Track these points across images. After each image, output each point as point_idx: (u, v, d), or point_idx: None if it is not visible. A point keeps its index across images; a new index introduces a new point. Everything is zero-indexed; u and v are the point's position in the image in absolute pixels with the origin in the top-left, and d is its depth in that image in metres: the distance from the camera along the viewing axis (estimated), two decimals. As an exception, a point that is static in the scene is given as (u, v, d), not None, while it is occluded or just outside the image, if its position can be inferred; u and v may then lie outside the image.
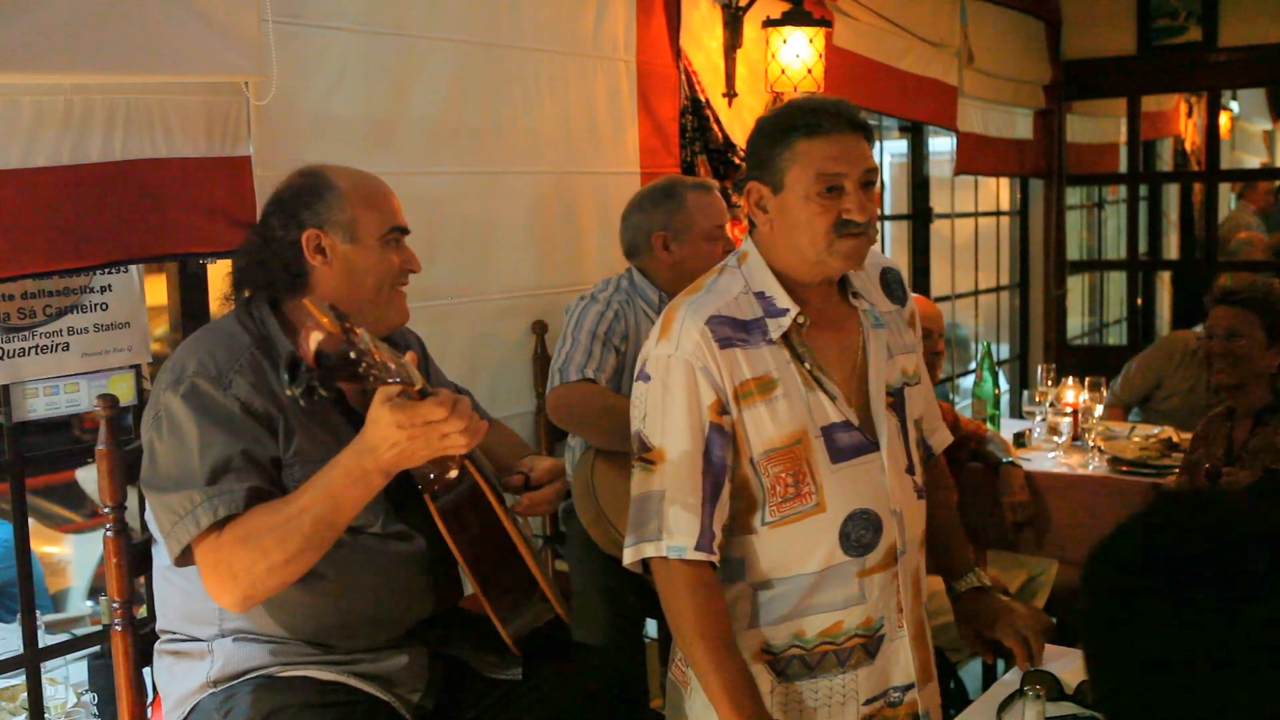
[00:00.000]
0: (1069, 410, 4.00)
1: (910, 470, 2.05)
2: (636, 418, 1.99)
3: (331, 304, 1.60)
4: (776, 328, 1.95)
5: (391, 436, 1.68)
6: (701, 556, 1.90)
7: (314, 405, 1.78)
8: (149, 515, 1.92)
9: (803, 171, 1.91)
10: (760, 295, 1.97)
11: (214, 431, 1.80)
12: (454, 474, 1.86)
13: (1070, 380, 4.12)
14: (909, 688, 2.02)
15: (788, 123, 1.94)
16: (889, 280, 2.15)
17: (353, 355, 1.54)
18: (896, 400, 2.04)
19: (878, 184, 1.99)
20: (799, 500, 1.94)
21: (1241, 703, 1.01)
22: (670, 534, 1.91)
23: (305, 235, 1.93)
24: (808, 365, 1.96)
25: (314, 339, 1.52)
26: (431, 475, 1.85)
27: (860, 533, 1.95)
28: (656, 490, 1.93)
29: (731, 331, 1.93)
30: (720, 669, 1.88)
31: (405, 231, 2.02)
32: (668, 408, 1.93)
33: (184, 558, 1.81)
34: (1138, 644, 1.05)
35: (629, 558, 1.95)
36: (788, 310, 1.95)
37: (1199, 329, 5.92)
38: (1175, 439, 3.85)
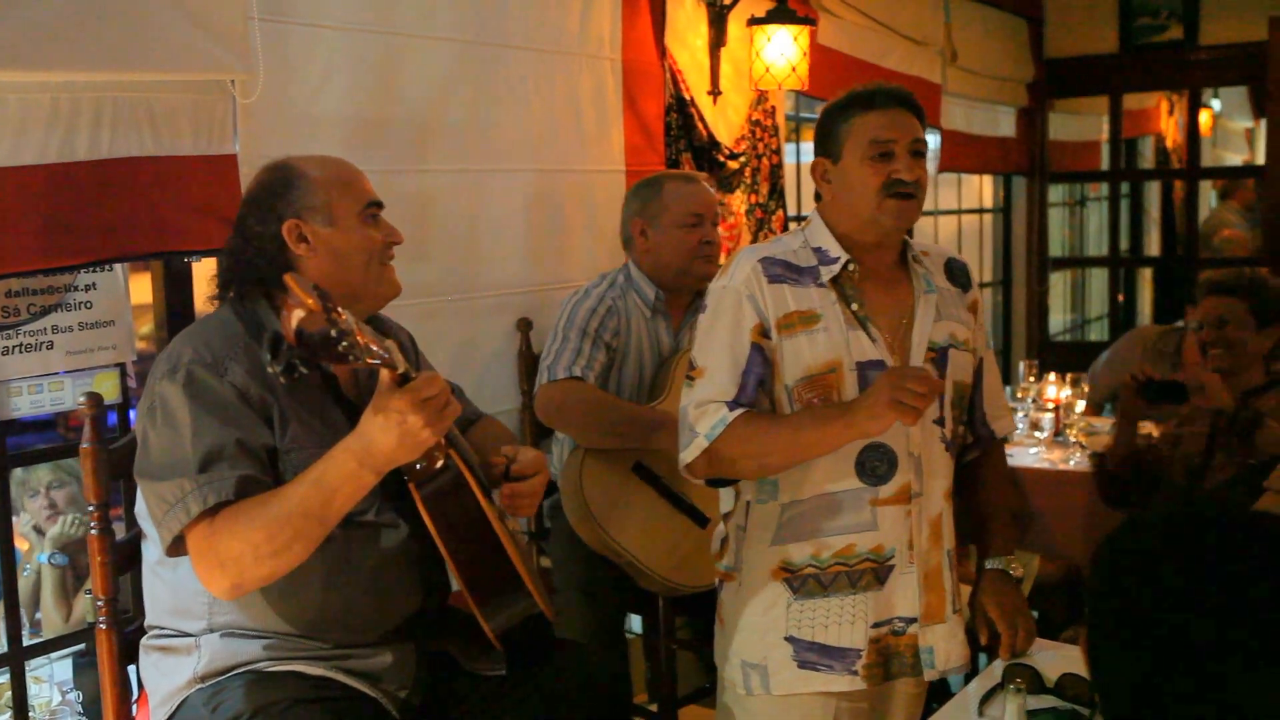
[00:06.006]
0: (1051, 406, 4.02)
1: (940, 422, 2.15)
2: (693, 348, 2.17)
3: (315, 284, 1.60)
4: (828, 272, 2.11)
5: (380, 432, 1.69)
6: (740, 409, 2.04)
7: (308, 393, 1.77)
8: (139, 509, 1.92)
9: (858, 141, 2.10)
10: (817, 250, 2.14)
11: (207, 419, 1.80)
12: (440, 463, 1.87)
13: (1052, 376, 4.15)
14: (912, 621, 2.12)
15: (846, 101, 2.14)
16: (953, 268, 2.28)
17: (334, 334, 1.54)
18: (939, 357, 2.15)
19: (926, 155, 2.16)
20: None
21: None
22: (706, 421, 2.04)
23: (285, 226, 1.93)
24: (854, 306, 2.10)
25: (295, 316, 1.53)
26: (418, 465, 1.86)
27: (875, 464, 2.09)
28: (697, 398, 2.08)
29: (783, 271, 2.11)
30: (799, 418, 2.04)
31: (380, 206, 2.03)
32: (713, 331, 2.11)
33: (175, 547, 1.81)
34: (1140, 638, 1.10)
35: (688, 457, 2.07)
36: (839, 258, 2.12)
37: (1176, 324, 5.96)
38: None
